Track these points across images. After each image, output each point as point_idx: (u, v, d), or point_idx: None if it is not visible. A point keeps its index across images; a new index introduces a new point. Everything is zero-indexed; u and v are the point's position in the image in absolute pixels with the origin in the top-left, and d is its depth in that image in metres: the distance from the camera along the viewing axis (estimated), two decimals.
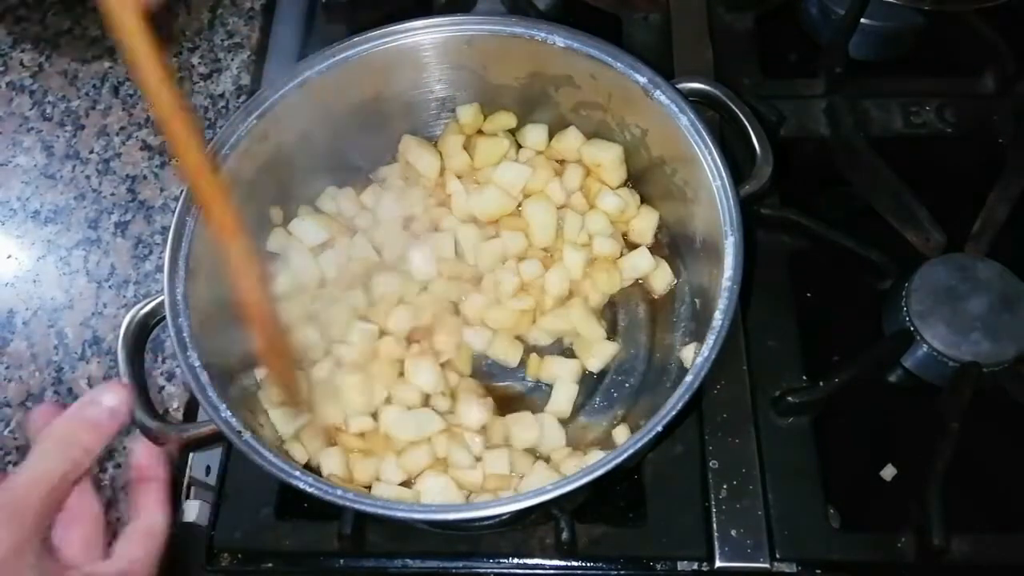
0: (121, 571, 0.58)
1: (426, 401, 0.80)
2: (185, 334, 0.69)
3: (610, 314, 0.86)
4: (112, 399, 0.60)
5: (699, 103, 0.78)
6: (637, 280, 0.87)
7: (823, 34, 1.06)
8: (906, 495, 0.78)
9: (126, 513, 0.81)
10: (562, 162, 0.89)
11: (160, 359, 0.89)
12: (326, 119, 0.84)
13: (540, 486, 0.62)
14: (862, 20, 1.00)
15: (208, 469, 0.85)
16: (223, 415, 0.66)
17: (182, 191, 0.74)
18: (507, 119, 0.90)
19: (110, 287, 0.93)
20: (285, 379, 0.74)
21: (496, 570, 0.78)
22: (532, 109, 0.90)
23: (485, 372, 0.84)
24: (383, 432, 0.78)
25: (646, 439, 0.63)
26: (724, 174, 0.73)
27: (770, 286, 0.89)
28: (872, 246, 0.88)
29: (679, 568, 0.76)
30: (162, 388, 0.87)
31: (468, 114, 0.89)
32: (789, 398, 0.81)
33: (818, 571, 0.76)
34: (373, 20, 0.82)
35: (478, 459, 0.77)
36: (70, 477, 0.57)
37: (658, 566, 0.77)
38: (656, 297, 0.86)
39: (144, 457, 0.63)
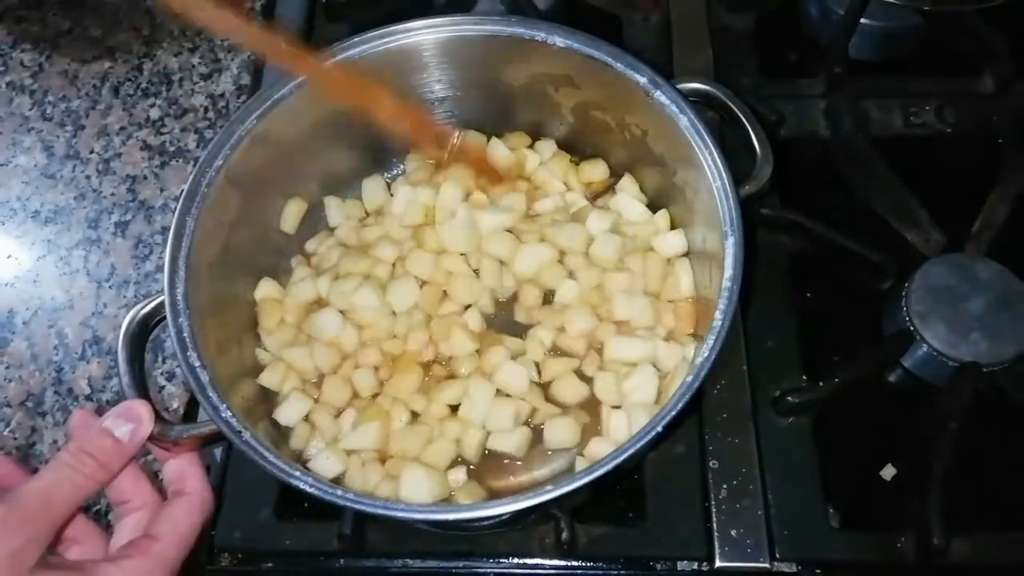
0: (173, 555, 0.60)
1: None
2: (185, 334, 0.69)
3: None
4: (135, 418, 0.62)
5: (699, 103, 0.78)
6: None
7: (823, 34, 1.06)
8: (906, 495, 0.78)
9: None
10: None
11: (160, 359, 0.89)
12: (326, 120, 0.84)
13: None
14: (862, 20, 1.00)
15: (208, 469, 0.85)
16: (223, 415, 0.66)
17: (182, 191, 0.74)
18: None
19: (110, 287, 0.93)
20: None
21: (496, 570, 0.78)
22: (532, 110, 0.90)
23: None
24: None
25: (646, 439, 0.63)
26: (724, 174, 0.72)
27: (770, 286, 0.89)
28: (872, 246, 0.88)
29: (679, 568, 0.76)
30: (162, 388, 0.87)
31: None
32: (789, 398, 0.81)
33: (818, 571, 0.76)
34: (373, 20, 0.82)
35: None
36: (83, 489, 0.58)
37: (658, 566, 0.77)
38: None
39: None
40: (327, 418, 0.78)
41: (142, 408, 0.63)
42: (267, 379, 0.80)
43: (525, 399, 0.78)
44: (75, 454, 0.58)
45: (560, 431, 0.77)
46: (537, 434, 0.78)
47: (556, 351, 0.81)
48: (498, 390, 0.77)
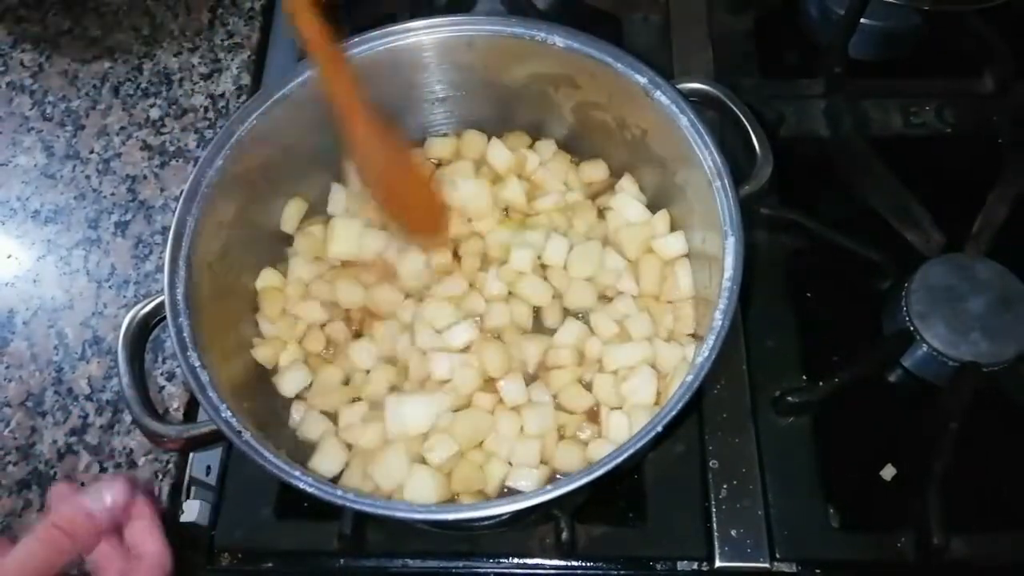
0: None
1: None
2: (185, 334, 0.69)
3: None
4: (113, 497, 0.62)
5: (699, 103, 0.78)
6: None
7: (823, 34, 1.06)
8: (906, 495, 0.78)
9: None
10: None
11: (160, 359, 0.89)
12: (326, 119, 0.84)
13: None
14: (862, 20, 1.00)
15: (208, 469, 0.85)
16: (223, 415, 0.66)
17: (182, 191, 0.74)
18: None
19: (110, 287, 0.93)
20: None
21: (496, 570, 0.78)
22: (532, 110, 0.90)
23: None
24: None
25: (646, 439, 0.63)
26: (724, 174, 0.73)
27: (770, 286, 0.89)
28: (872, 246, 0.88)
29: (679, 568, 0.76)
30: (162, 388, 0.87)
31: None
32: (789, 398, 0.81)
33: (818, 571, 0.76)
34: (373, 20, 0.82)
35: None
36: (54, 564, 0.59)
37: (658, 566, 0.77)
38: None
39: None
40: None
41: (122, 484, 0.63)
42: (261, 354, 0.81)
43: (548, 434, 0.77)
44: (47, 529, 0.60)
45: (569, 455, 0.76)
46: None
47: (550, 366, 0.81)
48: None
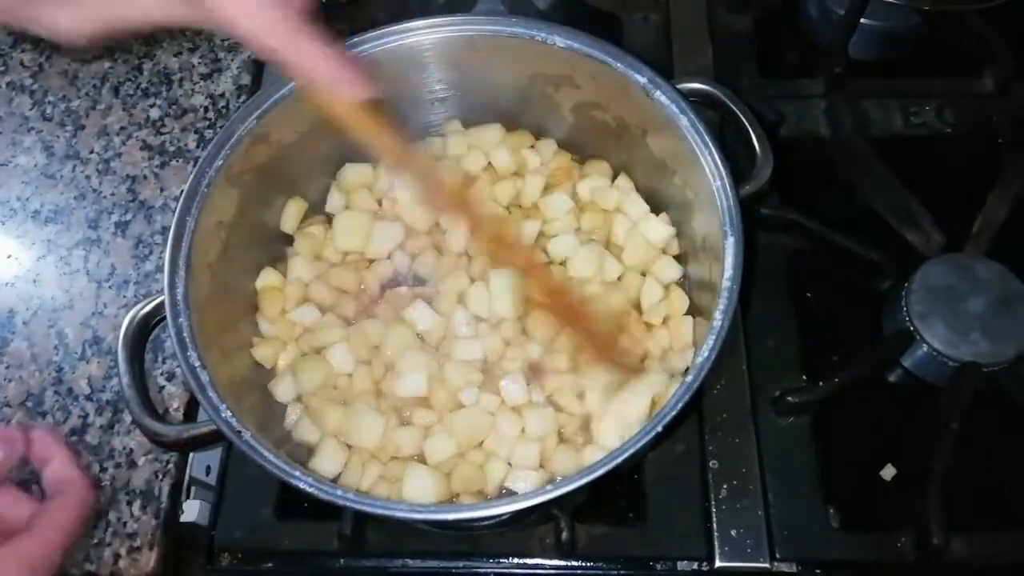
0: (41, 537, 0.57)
1: None
2: (185, 334, 0.69)
3: None
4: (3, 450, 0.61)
5: (699, 103, 0.78)
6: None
7: (823, 34, 1.06)
8: (906, 495, 0.78)
9: (125, 512, 0.81)
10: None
11: (160, 359, 0.89)
12: (326, 119, 0.84)
13: None
14: (862, 20, 1.00)
15: (208, 469, 0.85)
16: (223, 415, 0.66)
17: (182, 191, 0.74)
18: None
19: (110, 287, 0.93)
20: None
21: (496, 570, 0.78)
22: (532, 110, 0.90)
23: None
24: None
25: (646, 439, 0.63)
26: (724, 174, 0.73)
27: (770, 286, 0.89)
28: (872, 246, 0.88)
29: (679, 568, 0.76)
30: (162, 388, 0.87)
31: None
32: (789, 398, 0.81)
33: (818, 571, 0.76)
34: (373, 20, 0.82)
35: None
36: None
37: (658, 566, 0.77)
38: None
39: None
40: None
41: (13, 432, 0.62)
42: (260, 354, 0.80)
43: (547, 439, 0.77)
44: None
45: (567, 458, 0.76)
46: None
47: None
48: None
